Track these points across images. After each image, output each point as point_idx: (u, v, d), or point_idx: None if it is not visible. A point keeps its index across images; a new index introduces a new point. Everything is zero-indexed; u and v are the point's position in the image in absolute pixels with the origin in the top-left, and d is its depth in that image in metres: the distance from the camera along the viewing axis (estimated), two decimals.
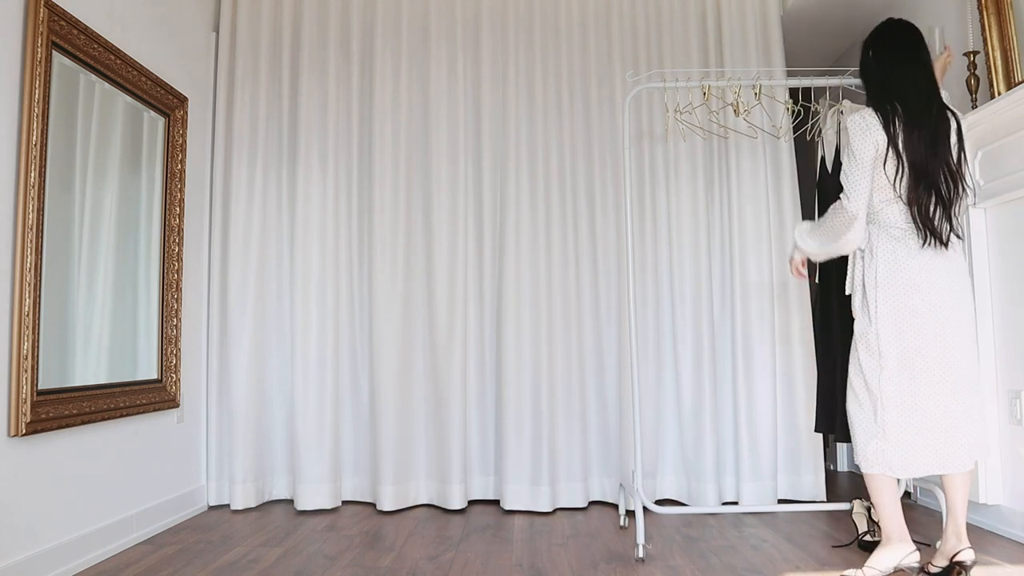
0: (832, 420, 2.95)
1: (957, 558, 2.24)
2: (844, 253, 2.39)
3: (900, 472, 2.25)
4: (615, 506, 3.43)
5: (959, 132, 2.35)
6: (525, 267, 3.49)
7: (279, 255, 3.59)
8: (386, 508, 3.36)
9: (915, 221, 2.26)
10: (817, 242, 2.43)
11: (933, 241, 2.26)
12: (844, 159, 2.33)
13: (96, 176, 2.69)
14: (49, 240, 2.38)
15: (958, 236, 2.33)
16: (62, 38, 2.44)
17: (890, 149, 2.26)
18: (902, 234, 2.29)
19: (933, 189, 2.26)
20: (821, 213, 3.02)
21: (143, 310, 2.98)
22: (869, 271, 2.32)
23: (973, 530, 2.93)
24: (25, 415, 2.24)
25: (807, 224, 2.51)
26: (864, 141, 2.28)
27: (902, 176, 2.26)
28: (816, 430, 3.02)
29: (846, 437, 2.83)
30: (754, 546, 2.75)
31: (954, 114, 2.37)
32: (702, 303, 3.52)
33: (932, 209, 2.26)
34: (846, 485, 3.98)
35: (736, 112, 3.02)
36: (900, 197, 2.29)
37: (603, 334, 3.53)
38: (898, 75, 2.33)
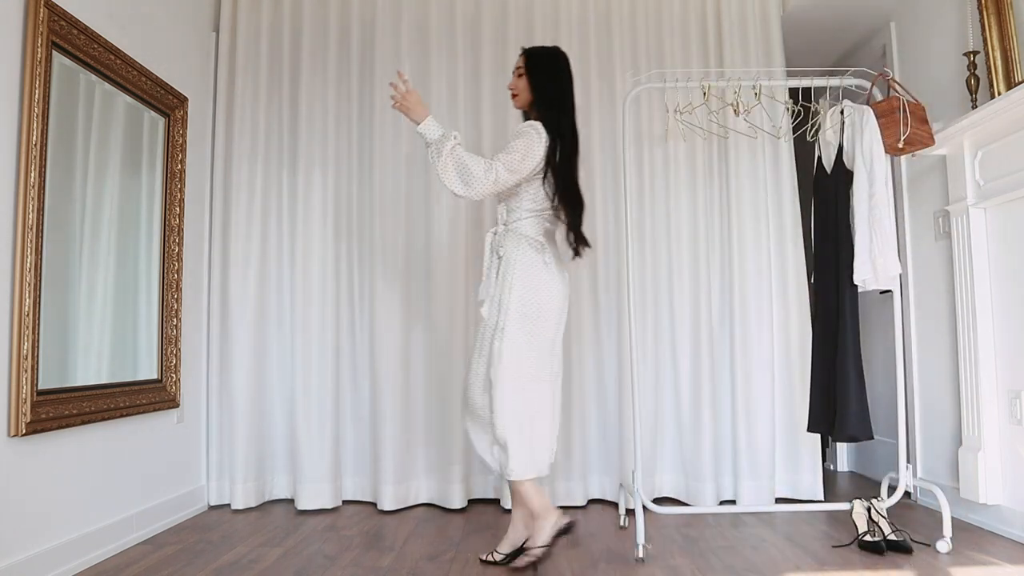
0: (826, 420, 2.95)
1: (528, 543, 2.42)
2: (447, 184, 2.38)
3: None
4: (615, 504, 3.43)
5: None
6: None
7: (279, 254, 3.59)
8: (386, 507, 3.36)
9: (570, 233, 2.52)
10: (436, 151, 2.36)
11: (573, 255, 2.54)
12: (506, 156, 2.39)
13: (96, 176, 2.69)
14: (49, 240, 2.38)
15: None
16: (62, 38, 2.44)
17: (548, 170, 2.46)
18: (540, 246, 2.48)
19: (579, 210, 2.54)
20: (819, 213, 3.01)
21: (143, 310, 2.98)
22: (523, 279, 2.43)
23: (973, 530, 2.93)
24: (25, 415, 2.24)
25: (462, 153, 2.38)
26: (540, 148, 2.42)
27: (557, 194, 2.48)
28: (809, 430, 3.01)
29: (845, 437, 2.83)
30: (754, 546, 2.75)
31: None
32: (701, 303, 3.52)
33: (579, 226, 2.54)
34: (845, 485, 3.99)
35: (736, 112, 3.02)
36: (546, 212, 2.50)
37: (602, 333, 3.53)
38: (570, 104, 2.55)
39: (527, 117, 2.63)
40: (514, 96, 2.60)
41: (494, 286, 2.46)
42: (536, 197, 2.49)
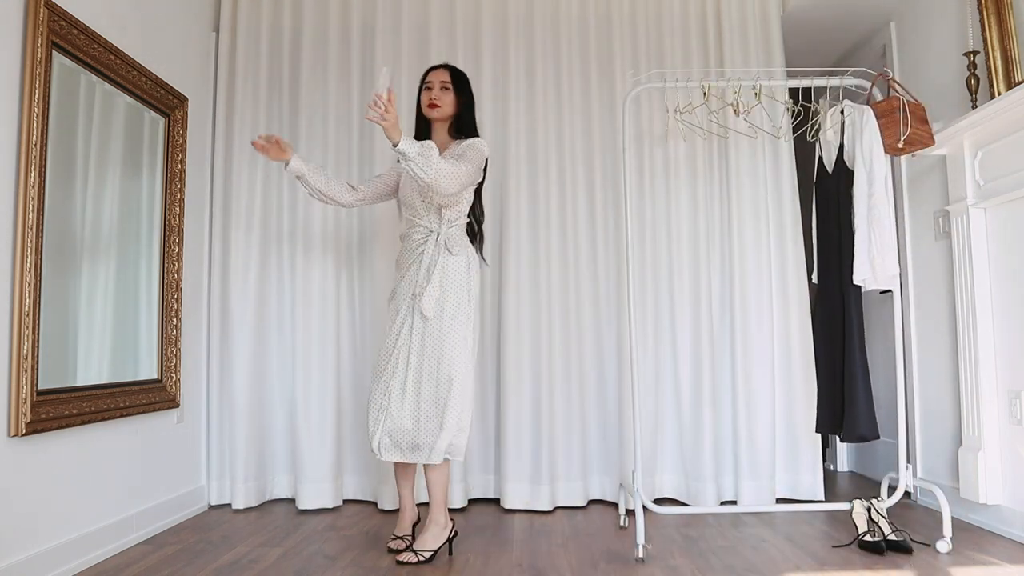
0: (834, 421, 2.95)
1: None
2: (434, 188, 2.49)
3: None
4: (615, 504, 3.43)
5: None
6: (525, 266, 3.49)
7: (279, 254, 3.59)
8: (387, 507, 3.36)
9: (478, 236, 2.82)
10: (424, 162, 2.42)
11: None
12: (470, 165, 2.59)
13: (96, 176, 2.69)
14: (49, 240, 2.38)
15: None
16: (62, 38, 2.44)
17: (483, 182, 2.77)
18: (472, 248, 2.75)
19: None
20: (820, 214, 3.02)
21: (143, 310, 2.98)
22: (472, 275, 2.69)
23: (973, 530, 2.93)
24: (25, 415, 2.24)
25: (435, 153, 2.46)
26: (485, 160, 2.70)
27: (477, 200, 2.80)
28: (817, 431, 3.02)
29: (854, 438, 2.83)
30: (754, 546, 2.75)
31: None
32: (701, 303, 3.52)
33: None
34: (845, 485, 3.99)
35: (736, 112, 3.02)
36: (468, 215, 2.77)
37: (603, 333, 3.53)
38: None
39: (427, 128, 2.81)
40: (435, 107, 2.73)
41: (434, 285, 2.59)
42: (469, 204, 2.74)
